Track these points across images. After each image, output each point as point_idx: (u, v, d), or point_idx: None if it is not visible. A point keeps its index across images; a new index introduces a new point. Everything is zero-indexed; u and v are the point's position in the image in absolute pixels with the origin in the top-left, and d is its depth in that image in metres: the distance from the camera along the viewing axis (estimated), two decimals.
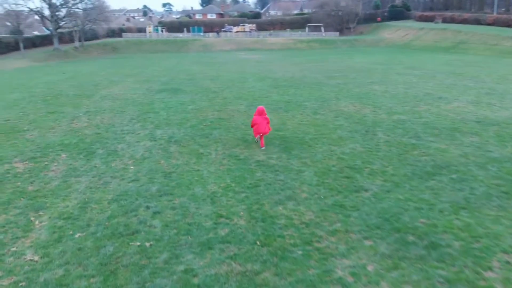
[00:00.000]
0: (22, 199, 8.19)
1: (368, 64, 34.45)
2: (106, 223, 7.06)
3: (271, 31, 79.72)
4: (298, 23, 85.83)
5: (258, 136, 11.25)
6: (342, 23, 78.96)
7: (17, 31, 51.55)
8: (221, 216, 7.17)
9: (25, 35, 64.34)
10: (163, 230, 6.75)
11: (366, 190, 8.15)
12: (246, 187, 8.43)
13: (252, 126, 11.30)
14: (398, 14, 79.65)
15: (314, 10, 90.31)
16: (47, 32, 63.64)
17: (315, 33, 74.30)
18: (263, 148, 11.11)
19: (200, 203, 7.72)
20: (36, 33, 70.14)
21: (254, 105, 17.04)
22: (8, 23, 52.77)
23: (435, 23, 66.86)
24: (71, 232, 6.80)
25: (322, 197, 7.84)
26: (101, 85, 24.70)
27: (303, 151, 10.81)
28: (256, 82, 24.44)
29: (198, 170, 9.56)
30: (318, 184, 8.48)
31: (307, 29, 76.53)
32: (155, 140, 12.19)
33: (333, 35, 72.25)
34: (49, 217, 7.36)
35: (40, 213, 7.55)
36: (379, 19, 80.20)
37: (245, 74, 29.14)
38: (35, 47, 59.33)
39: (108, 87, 23.96)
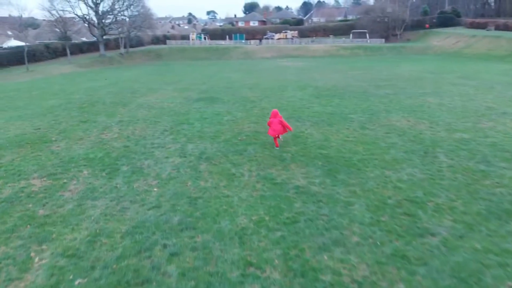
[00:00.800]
0: (28, 226, 7.17)
1: (418, 72, 32.10)
2: (114, 266, 5.84)
3: (314, 37, 77.99)
4: (341, 30, 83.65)
5: (277, 137, 11.68)
6: (388, 30, 76.10)
7: (64, 37, 52.80)
8: (251, 264, 5.77)
9: (74, 41, 66.24)
10: (179, 280, 5.43)
11: (433, 235, 6.49)
12: (282, 223, 6.99)
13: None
14: (447, 21, 75.70)
15: (358, 16, 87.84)
16: (95, 38, 64.98)
17: (360, 39, 71.88)
18: (277, 147, 11.53)
19: (226, 243, 6.36)
20: (84, 39, 72.09)
21: (293, 116, 15.65)
22: (57, 29, 54.18)
23: (487, 30, 62.78)
24: (71, 277, 5.62)
25: (378, 242, 6.25)
26: (139, 93, 24.08)
27: (351, 175, 9.24)
28: (296, 91, 22.99)
29: (228, 196, 8.22)
30: (372, 223, 6.89)
31: (351, 35, 74.18)
32: (185, 157, 11.00)
33: (379, 42, 69.58)
34: (52, 253, 6.24)
35: (43, 246, 6.47)
36: (427, 25, 76.55)
37: (285, 82, 27.77)
38: (82, 53, 60.75)
39: (146, 94, 23.28)
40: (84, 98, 22.15)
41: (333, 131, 13.44)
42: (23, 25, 46.67)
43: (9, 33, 61.87)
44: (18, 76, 39.49)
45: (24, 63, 46.06)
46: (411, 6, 79.84)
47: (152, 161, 10.70)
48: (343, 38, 73.08)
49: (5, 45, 55.95)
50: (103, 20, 56.66)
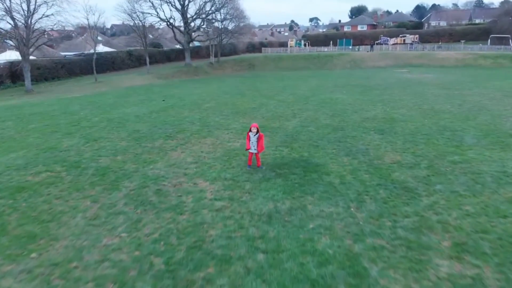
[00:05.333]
0: None
1: None
2: None
3: (439, 43, 61.57)
4: (472, 34, 65.90)
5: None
6: None
7: (147, 44, 45.01)
8: None
9: (164, 48, 59.27)
10: None
11: None
12: None
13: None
14: None
15: (489, 19, 69.06)
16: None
17: (501, 46, 54.12)
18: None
19: None
20: (178, 46, 65.23)
21: None
22: (151, 35, 46.97)
23: None
24: None
25: None
26: (180, 136, 13.29)
27: None
28: (488, 149, 10.19)
29: None
30: None
31: (489, 41, 56.55)
32: None
33: None
34: None
35: None
36: None
37: (439, 114, 14.95)
38: (170, 61, 53.25)
39: (189, 142, 12.40)
40: (70, 151, 11.83)
41: None
42: (93, 29, 39.54)
43: (100, 38, 56.85)
44: (78, 89, 31.78)
45: (102, 72, 39.12)
46: None
47: None
48: (480, 44, 55.78)
49: (92, 51, 50.40)
50: (191, 24, 47.91)
